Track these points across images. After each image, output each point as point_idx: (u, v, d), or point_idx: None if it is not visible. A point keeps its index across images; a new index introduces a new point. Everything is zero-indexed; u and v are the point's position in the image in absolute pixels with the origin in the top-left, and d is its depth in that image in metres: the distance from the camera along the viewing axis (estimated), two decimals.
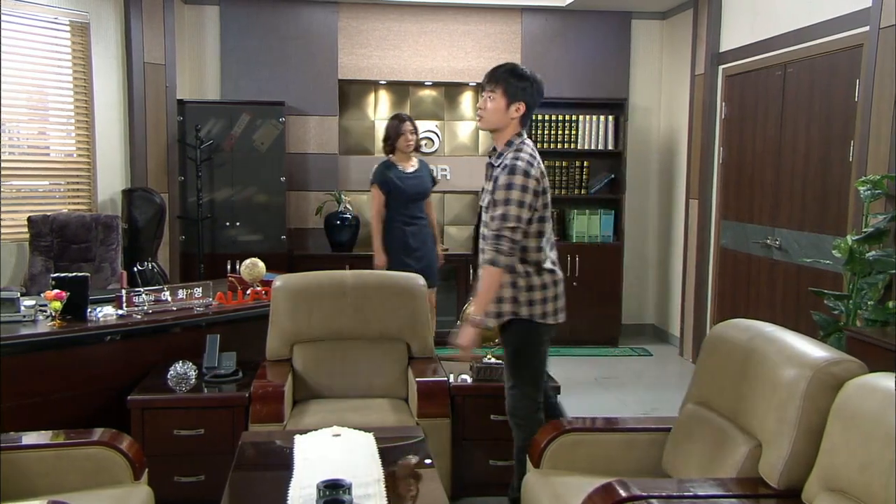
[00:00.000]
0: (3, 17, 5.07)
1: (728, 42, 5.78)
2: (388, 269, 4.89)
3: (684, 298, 6.44)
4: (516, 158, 2.99)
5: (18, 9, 5.15)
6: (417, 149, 5.15)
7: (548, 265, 3.13)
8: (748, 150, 5.43)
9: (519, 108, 3.06)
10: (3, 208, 5.30)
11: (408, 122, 5.03)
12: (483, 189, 3.21)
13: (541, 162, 3.09)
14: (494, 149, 3.15)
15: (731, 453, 2.44)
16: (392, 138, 5.03)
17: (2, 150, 4.54)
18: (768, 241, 5.13)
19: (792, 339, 2.49)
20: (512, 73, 3.09)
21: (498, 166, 3.05)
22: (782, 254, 4.98)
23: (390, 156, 5.07)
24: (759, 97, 5.28)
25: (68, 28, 5.48)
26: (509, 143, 3.07)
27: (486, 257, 2.96)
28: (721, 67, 5.84)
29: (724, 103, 5.79)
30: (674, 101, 6.77)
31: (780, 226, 5.02)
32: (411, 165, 5.06)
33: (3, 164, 5.31)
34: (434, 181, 5.24)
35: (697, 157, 6.16)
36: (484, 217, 3.10)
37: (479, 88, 6.95)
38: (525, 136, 3.14)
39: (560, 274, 3.19)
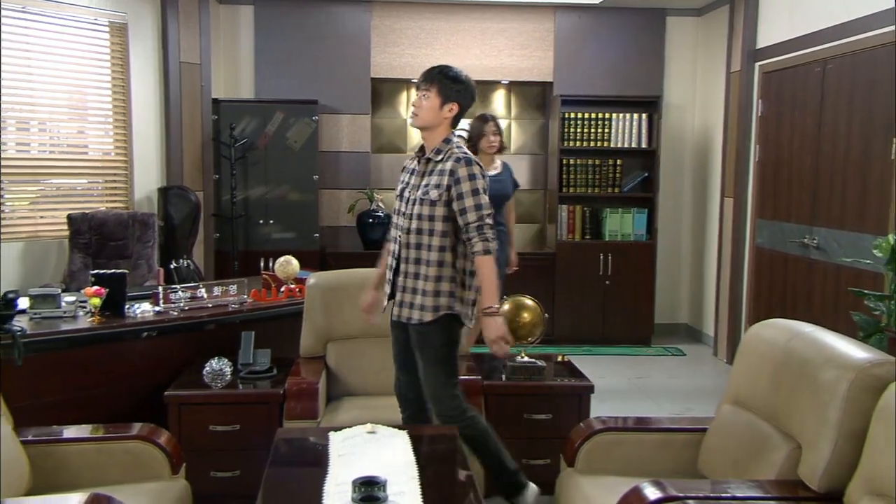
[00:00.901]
0: (44, 20, 5.16)
1: (765, 38, 5.70)
2: None
3: (718, 298, 6.36)
4: (465, 153, 3.06)
5: (60, 10, 5.24)
6: (501, 150, 4.89)
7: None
8: (785, 147, 5.35)
9: (452, 109, 3.10)
10: (43, 206, 5.41)
11: (491, 123, 4.79)
12: (406, 182, 3.17)
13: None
14: (422, 147, 3.16)
15: (770, 455, 2.41)
16: (474, 139, 4.78)
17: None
18: (806, 241, 5.05)
19: (832, 339, 2.45)
20: (446, 75, 3.12)
21: (440, 162, 3.05)
22: (820, 253, 4.90)
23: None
24: (798, 94, 5.20)
25: (107, 29, 5.56)
26: (447, 141, 3.10)
27: (477, 248, 2.96)
28: (758, 64, 5.76)
29: (760, 100, 5.71)
30: (708, 99, 6.69)
31: (818, 225, 4.94)
32: (494, 168, 4.82)
33: (44, 163, 5.42)
34: (516, 185, 5.00)
35: (733, 155, 6.08)
36: (425, 211, 3.04)
37: (511, 87, 6.95)
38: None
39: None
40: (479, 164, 3.05)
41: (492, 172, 4.78)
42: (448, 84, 3.10)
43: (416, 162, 3.18)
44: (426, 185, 3.06)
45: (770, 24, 5.65)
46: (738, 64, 5.97)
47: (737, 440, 2.62)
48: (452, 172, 3.00)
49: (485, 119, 4.85)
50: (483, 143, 4.76)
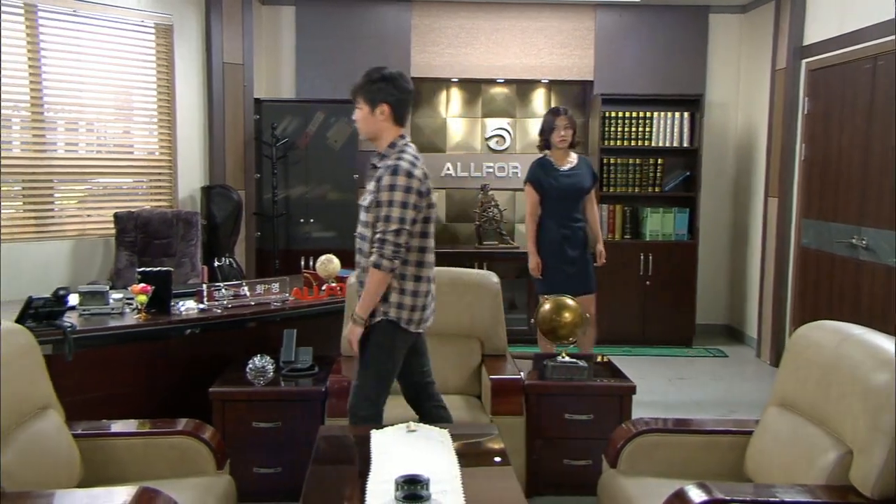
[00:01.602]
0: (94, 22, 5.27)
1: (812, 35, 5.59)
2: (541, 271, 4.77)
3: (762, 299, 6.26)
4: (399, 159, 2.95)
5: (109, 13, 5.34)
6: (574, 145, 4.81)
7: (428, 272, 3.07)
8: (833, 146, 5.25)
9: (384, 111, 3.02)
10: (90, 205, 5.52)
11: (562, 117, 4.71)
12: (366, 188, 3.13)
13: (423, 164, 3.04)
14: (377, 152, 3.10)
15: (819, 459, 2.37)
16: (545, 133, 4.74)
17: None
18: (854, 241, 4.94)
19: (884, 342, 2.40)
20: (366, 80, 3.06)
21: (381, 167, 3.00)
22: (869, 254, 4.79)
23: (546, 152, 4.81)
24: (846, 91, 5.09)
25: (153, 30, 5.66)
26: (392, 145, 3.04)
27: (371, 260, 2.91)
28: (804, 61, 5.66)
29: (807, 98, 5.60)
30: (752, 97, 6.59)
31: (867, 225, 4.83)
32: (568, 162, 4.76)
33: (91, 163, 5.53)
34: (595, 178, 4.91)
35: (777, 154, 5.98)
36: (362, 217, 3.05)
37: (551, 85, 6.92)
38: (408, 138, 3.10)
39: (433, 284, 3.13)
40: (409, 175, 2.91)
41: (565, 167, 4.75)
42: (368, 88, 3.04)
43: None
44: (366, 192, 3.05)
45: (818, 21, 5.54)
46: (784, 61, 5.86)
47: (784, 443, 2.58)
48: (380, 179, 2.95)
49: (556, 112, 4.76)
50: (554, 138, 4.71)
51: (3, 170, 4.98)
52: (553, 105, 6.96)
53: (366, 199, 3.04)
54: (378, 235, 2.91)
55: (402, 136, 3.07)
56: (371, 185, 3.03)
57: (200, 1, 5.94)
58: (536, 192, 4.77)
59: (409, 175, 2.91)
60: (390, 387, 3.13)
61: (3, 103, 4.96)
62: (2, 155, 4.71)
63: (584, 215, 4.90)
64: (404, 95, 3.08)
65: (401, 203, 2.89)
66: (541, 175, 4.75)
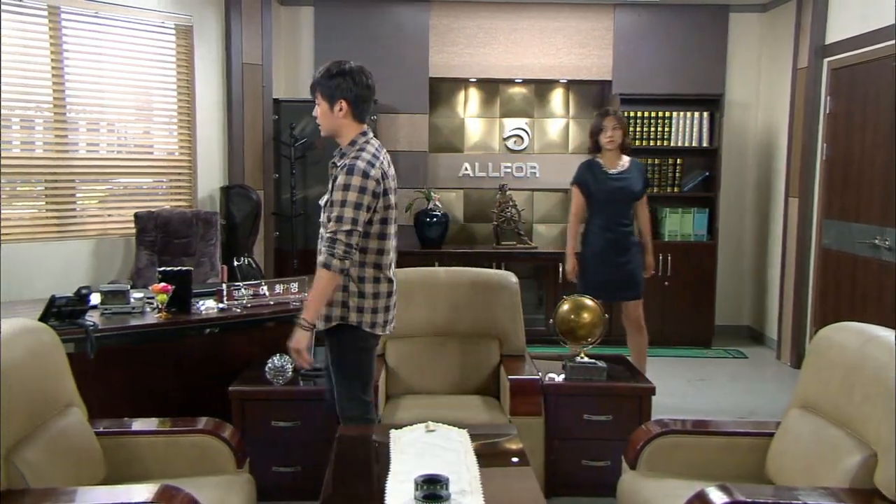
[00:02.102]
0: (115, 24, 5.32)
1: (835, 34, 5.54)
2: (579, 276, 4.63)
3: (782, 300, 6.21)
4: (356, 158, 2.87)
5: (130, 15, 5.39)
6: (625, 148, 4.64)
7: (387, 273, 3.01)
8: (856, 145, 5.19)
9: (342, 107, 2.93)
10: (111, 205, 5.57)
11: (610, 117, 4.55)
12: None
13: (386, 161, 2.98)
14: (340, 149, 3.04)
15: (843, 462, 2.34)
16: (594, 135, 4.59)
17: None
18: (877, 241, 4.88)
19: None
20: (323, 76, 2.96)
21: (340, 166, 2.94)
22: (892, 254, 4.74)
23: (597, 154, 4.64)
24: (870, 90, 5.04)
25: (174, 32, 5.70)
26: (353, 143, 2.97)
27: (319, 259, 2.85)
28: (826, 60, 5.60)
29: (829, 97, 5.55)
30: (773, 97, 6.54)
31: (890, 225, 4.77)
32: (619, 165, 4.58)
33: (112, 163, 5.58)
34: (647, 183, 4.70)
35: (798, 154, 5.92)
36: (322, 217, 3.00)
37: (569, 85, 6.89)
38: (370, 134, 3.02)
39: (395, 284, 3.08)
40: (364, 175, 2.83)
41: (615, 170, 4.58)
42: (325, 84, 2.95)
43: None
44: (328, 191, 2.99)
45: (840, 20, 5.49)
46: (806, 60, 5.81)
47: (806, 446, 2.56)
48: (335, 178, 2.91)
49: (604, 114, 4.62)
50: (602, 139, 4.55)
51: (26, 170, 5.05)
52: (571, 105, 6.96)
53: (324, 199, 3.00)
54: (329, 235, 2.84)
55: (363, 133, 3.00)
56: (329, 184, 2.98)
57: (220, 2, 5.97)
58: (582, 194, 4.64)
59: (365, 175, 2.84)
60: (372, 382, 3.11)
61: (27, 105, 5.03)
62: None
63: (637, 220, 4.72)
64: (363, 91, 2.96)
65: (354, 204, 2.81)
66: (588, 177, 4.61)
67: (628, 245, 4.62)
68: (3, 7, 4.72)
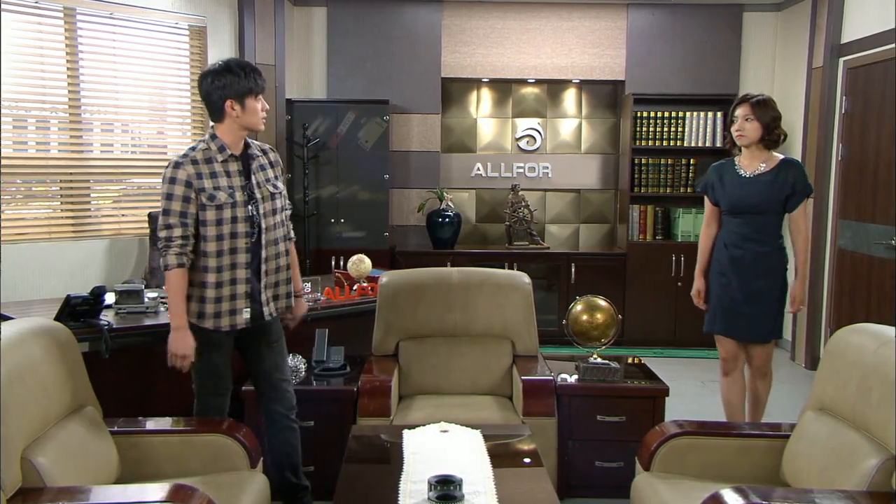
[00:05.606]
0: (130, 25, 5.34)
1: (851, 33, 5.50)
2: (705, 298, 3.88)
3: None
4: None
5: (144, 16, 5.41)
6: (772, 143, 3.67)
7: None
8: (872, 145, 5.15)
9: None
10: (125, 205, 5.59)
11: (743, 105, 3.66)
12: None
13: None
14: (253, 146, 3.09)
15: (860, 465, 2.32)
16: (728, 127, 3.81)
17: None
18: (893, 242, 4.85)
19: None
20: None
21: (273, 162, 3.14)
22: None
23: (734, 152, 3.89)
24: (887, 90, 5.00)
25: (187, 32, 5.72)
26: (247, 145, 3.03)
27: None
28: (842, 60, 5.56)
29: (845, 97, 5.51)
30: (788, 96, 6.49)
31: None
32: (760, 165, 3.67)
33: (126, 163, 5.60)
34: (794, 190, 3.62)
35: (813, 154, 5.88)
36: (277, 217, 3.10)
37: (582, 85, 6.87)
38: (207, 134, 2.96)
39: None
40: (170, 182, 2.84)
41: (750, 171, 3.69)
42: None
43: None
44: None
45: (856, 18, 5.45)
46: (821, 60, 5.77)
47: (822, 448, 2.54)
48: (276, 175, 3.08)
49: (740, 100, 3.74)
50: (735, 134, 3.72)
51: (41, 171, 5.08)
52: (584, 105, 6.93)
53: (276, 201, 3.10)
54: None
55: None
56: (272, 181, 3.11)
57: (233, 3, 5.99)
58: (710, 202, 3.85)
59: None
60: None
61: (42, 105, 5.06)
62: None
63: (788, 237, 3.78)
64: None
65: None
66: (714, 180, 3.80)
67: (763, 268, 3.66)
68: (18, 9, 4.76)
